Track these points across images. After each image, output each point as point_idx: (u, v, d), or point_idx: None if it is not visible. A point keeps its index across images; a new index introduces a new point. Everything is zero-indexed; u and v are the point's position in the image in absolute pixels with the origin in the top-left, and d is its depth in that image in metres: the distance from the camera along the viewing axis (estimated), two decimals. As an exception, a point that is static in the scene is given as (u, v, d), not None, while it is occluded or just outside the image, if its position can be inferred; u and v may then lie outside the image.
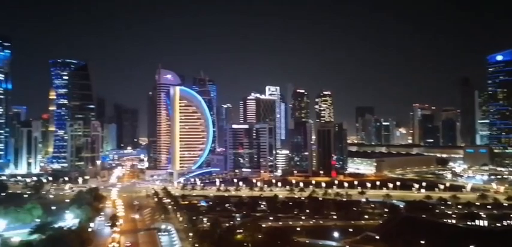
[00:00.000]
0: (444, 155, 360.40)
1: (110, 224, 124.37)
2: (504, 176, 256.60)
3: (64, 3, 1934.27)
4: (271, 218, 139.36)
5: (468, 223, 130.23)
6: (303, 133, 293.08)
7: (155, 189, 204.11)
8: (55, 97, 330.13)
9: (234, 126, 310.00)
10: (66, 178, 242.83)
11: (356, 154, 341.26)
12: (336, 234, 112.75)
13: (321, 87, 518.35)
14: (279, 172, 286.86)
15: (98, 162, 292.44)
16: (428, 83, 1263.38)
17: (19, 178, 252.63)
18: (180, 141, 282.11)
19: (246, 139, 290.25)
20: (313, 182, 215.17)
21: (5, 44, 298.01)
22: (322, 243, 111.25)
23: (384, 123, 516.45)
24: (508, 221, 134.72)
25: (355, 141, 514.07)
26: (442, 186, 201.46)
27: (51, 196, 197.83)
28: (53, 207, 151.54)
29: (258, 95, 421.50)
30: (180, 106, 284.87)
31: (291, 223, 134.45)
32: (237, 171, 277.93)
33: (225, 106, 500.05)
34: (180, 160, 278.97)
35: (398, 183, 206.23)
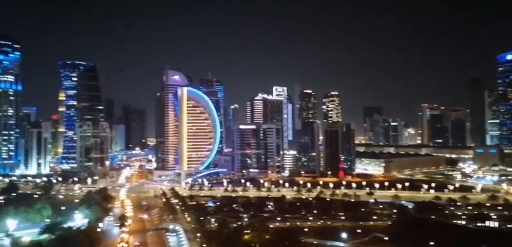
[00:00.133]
0: (453, 155, 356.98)
1: (118, 224, 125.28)
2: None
3: (71, 5, 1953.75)
4: (278, 219, 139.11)
5: (478, 224, 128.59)
6: (311, 134, 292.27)
7: (163, 190, 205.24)
8: (64, 98, 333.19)
9: (241, 126, 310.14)
10: (76, 179, 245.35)
11: (364, 155, 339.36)
12: (343, 235, 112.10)
13: (328, 88, 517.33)
14: (286, 173, 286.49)
15: (107, 163, 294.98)
16: (437, 83, 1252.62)
17: (29, 178, 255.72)
18: (188, 141, 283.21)
19: (253, 139, 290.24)
20: (321, 183, 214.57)
21: (15, 46, 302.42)
22: (330, 244, 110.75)
23: (392, 124, 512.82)
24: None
25: (363, 142, 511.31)
26: (451, 187, 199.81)
27: (60, 196, 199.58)
28: (63, 207, 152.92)
29: (265, 96, 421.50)
30: (187, 107, 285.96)
31: (298, 223, 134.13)
32: (244, 171, 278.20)
33: (232, 107, 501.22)
34: (188, 161, 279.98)
35: (407, 184, 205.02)
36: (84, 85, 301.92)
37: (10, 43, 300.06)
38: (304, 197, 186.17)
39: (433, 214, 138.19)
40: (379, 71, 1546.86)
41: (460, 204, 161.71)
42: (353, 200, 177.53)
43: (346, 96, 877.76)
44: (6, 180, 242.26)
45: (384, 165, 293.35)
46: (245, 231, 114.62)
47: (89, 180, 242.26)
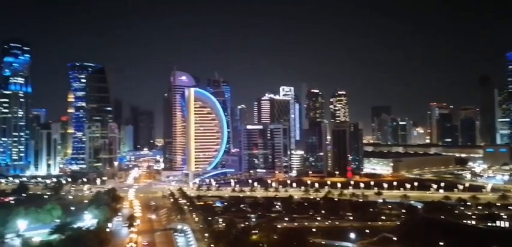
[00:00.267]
0: (463, 155, 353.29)
1: (127, 224, 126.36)
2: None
3: (76, 6, 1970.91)
4: (286, 219, 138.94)
5: (488, 224, 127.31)
6: (318, 134, 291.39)
7: (171, 190, 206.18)
8: (73, 100, 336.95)
9: (249, 126, 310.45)
10: (85, 179, 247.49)
11: (372, 155, 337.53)
12: (352, 235, 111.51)
13: (335, 87, 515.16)
14: (293, 173, 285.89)
15: (115, 163, 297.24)
16: (445, 82, 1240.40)
17: (39, 179, 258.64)
18: (195, 142, 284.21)
19: (261, 140, 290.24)
20: (329, 183, 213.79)
21: (25, 48, 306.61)
22: (338, 244, 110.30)
23: (400, 123, 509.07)
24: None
25: (371, 141, 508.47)
26: (461, 187, 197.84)
27: (70, 197, 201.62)
28: (72, 208, 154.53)
29: (272, 96, 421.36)
30: (194, 107, 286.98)
31: (306, 224, 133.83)
32: (251, 171, 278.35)
33: (239, 107, 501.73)
34: (195, 161, 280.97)
35: (415, 184, 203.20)
36: (92, 86, 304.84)
37: (20, 46, 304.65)
38: (311, 197, 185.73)
39: (442, 214, 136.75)
40: (387, 70, 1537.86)
41: (469, 203, 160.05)
42: (361, 200, 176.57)
43: (354, 96, 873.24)
44: (17, 180, 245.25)
45: (392, 164, 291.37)
46: (253, 231, 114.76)
47: (98, 181, 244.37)
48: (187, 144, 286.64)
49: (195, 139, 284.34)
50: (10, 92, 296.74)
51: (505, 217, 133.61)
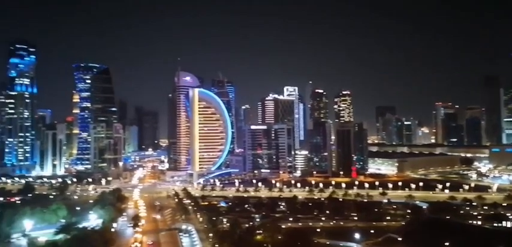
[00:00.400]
0: (469, 155, 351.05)
1: (132, 224, 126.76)
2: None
3: (78, 7, 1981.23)
4: (290, 219, 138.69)
5: (494, 224, 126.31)
6: (322, 134, 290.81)
7: (175, 190, 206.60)
8: (78, 100, 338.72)
9: (253, 127, 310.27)
10: (90, 180, 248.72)
11: (377, 155, 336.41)
12: (356, 235, 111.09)
13: (340, 87, 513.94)
14: (298, 173, 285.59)
15: (120, 164, 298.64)
16: (451, 81, 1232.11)
17: (45, 179, 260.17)
18: (200, 142, 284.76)
19: (265, 140, 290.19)
20: (333, 183, 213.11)
21: (30, 49, 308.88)
22: (342, 244, 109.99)
23: (405, 123, 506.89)
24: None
25: (376, 141, 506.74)
26: (466, 187, 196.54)
27: (75, 197, 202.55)
28: (77, 208, 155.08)
29: (276, 96, 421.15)
30: (199, 108, 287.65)
31: (310, 224, 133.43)
32: (256, 171, 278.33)
33: (243, 107, 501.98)
34: (200, 162, 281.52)
35: (421, 184, 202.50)
36: (97, 87, 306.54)
37: (25, 47, 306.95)
38: (316, 197, 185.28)
39: (448, 214, 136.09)
40: (391, 71, 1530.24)
41: (475, 204, 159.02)
42: (366, 200, 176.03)
43: (358, 96, 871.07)
44: (23, 181, 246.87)
45: (397, 164, 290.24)
46: (257, 231, 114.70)
47: (103, 181, 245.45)
48: (191, 145, 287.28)
49: (200, 139, 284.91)
50: (16, 93, 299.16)
51: (511, 217, 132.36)
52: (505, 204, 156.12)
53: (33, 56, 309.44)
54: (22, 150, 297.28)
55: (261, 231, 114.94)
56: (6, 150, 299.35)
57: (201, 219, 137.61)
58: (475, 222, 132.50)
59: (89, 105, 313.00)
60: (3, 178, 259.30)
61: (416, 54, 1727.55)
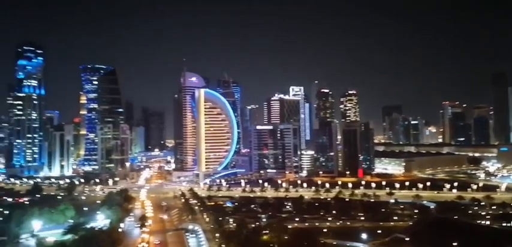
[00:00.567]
0: (476, 154, 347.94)
1: (139, 224, 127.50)
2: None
3: (86, 8, 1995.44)
4: (297, 219, 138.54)
5: (503, 224, 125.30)
6: (328, 134, 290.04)
7: (182, 190, 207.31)
8: (86, 101, 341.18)
9: (259, 127, 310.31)
10: (97, 180, 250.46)
11: (383, 154, 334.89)
12: (363, 236, 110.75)
13: (345, 87, 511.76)
14: (304, 173, 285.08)
15: (127, 164, 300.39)
16: (458, 80, 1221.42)
17: (53, 180, 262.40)
18: (206, 142, 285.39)
19: (271, 140, 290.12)
20: (340, 183, 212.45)
21: (38, 51, 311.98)
22: (349, 245, 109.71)
23: (412, 122, 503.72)
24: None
25: (383, 141, 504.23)
26: (474, 186, 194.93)
27: (83, 197, 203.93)
28: (85, 208, 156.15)
29: (282, 96, 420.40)
30: (205, 108, 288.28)
31: (317, 224, 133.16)
32: (262, 172, 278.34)
33: (249, 107, 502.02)
34: (206, 162, 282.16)
35: (428, 184, 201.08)
36: (104, 88, 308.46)
37: (33, 49, 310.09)
38: (322, 197, 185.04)
39: (455, 214, 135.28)
40: (398, 70, 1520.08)
41: (483, 203, 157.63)
42: (373, 200, 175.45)
43: (364, 95, 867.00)
44: (31, 182, 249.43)
45: (404, 164, 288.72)
46: (263, 232, 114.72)
47: (110, 181, 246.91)
48: (197, 145, 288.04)
49: (206, 139, 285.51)
50: (24, 95, 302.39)
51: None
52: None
53: (41, 58, 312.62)
54: (30, 151, 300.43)
55: (268, 231, 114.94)
56: (15, 151, 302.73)
57: (207, 219, 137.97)
58: (483, 222, 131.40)
59: (96, 106, 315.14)
60: (12, 179, 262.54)
61: (422, 53, 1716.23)
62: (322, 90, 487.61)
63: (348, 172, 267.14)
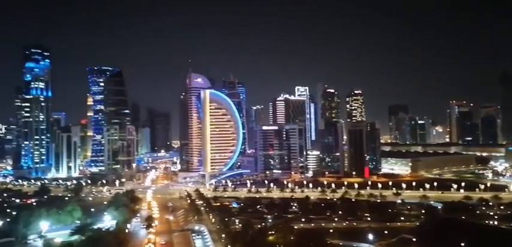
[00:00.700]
0: (484, 154, 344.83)
1: (145, 225, 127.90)
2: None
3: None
4: (303, 220, 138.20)
5: (511, 224, 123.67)
6: (334, 134, 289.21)
7: (188, 191, 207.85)
8: (92, 103, 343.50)
9: (264, 127, 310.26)
10: (104, 181, 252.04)
11: (390, 154, 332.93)
12: (370, 236, 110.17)
13: (351, 86, 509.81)
14: (310, 174, 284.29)
15: (133, 165, 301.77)
16: (465, 79, 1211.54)
17: (60, 181, 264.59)
18: (211, 143, 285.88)
19: (276, 140, 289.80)
20: (346, 183, 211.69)
21: (45, 54, 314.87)
22: (356, 245, 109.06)
23: (419, 122, 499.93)
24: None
25: (389, 141, 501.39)
26: (482, 186, 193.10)
27: (90, 198, 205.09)
28: (92, 209, 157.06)
29: (287, 96, 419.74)
30: (210, 109, 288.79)
31: (323, 224, 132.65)
32: (267, 172, 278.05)
33: (254, 108, 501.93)
34: (212, 163, 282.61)
35: (435, 184, 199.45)
36: (110, 90, 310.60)
37: (40, 51, 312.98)
38: (328, 198, 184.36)
39: (463, 214, 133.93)
40: (404, 69, 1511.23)
41: (491, 203, 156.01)
42: (379, 201, 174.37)
43: (370, 95, 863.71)
44: (39, 183, 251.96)
45: (411, 164, 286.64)
46: (269, 232, 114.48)
47: (117, 182, 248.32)
48: (203, 146, 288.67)
49: (211, 140, 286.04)
50: (31, 97, 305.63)
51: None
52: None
53: (48, 60, 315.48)
54: (38, 152, 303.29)
55: (274, 232, 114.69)
56: (23, 152, 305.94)
57: (213, 220, 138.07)
58: (491, 222, 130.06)
59: (102, 107, 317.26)
60: (20, 181, 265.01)
61: (429, 52, 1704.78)
62: (328, 90, 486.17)
63: (354, 173, 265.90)
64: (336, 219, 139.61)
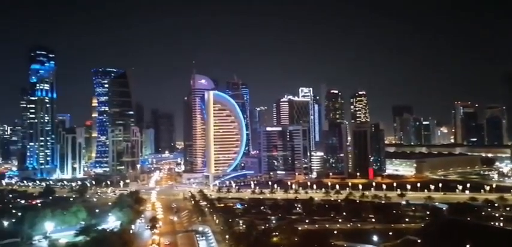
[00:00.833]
0: (489, 155, 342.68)
1: (149, 226, 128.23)
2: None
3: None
4: (307, 221, 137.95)
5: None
6: (338, 135, 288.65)
7: (192, 192, 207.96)
8: (97, 104, 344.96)
9: (268, 128, 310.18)
10: (108, 182, 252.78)
11: (394, 155, 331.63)
12: (374, 238, 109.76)
13: (355, 87, 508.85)
14: (314, 175, 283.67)
15: (138, 166, 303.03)
16: (470, 80, 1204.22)
17: (65, 182, 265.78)
18: (215, 144, 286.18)
19: (280, 141, 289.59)
20: (350, 184, 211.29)
21: (50, 55, 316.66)
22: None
23: (423, 123, 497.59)
24: None
25: (394, 142, 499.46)
26: (487, 187, 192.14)
27: (94, 199, 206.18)
28: (97, 210, 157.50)
29: (291, 97, 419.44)
30: (214, 110, 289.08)
31: (327, 226, 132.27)
32: (271, 173, 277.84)
33: (258, 109, 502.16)
34: (215, 164, 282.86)
35: (440, 185, 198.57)
36: (115, 91, 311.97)
37: (45, 53, 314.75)
38: (332, 199, 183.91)
39: (468, 215, 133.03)
40: (408, 69, 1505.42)
41: (497, 205, 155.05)
42: (384, 202, 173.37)
43: (374, 96, 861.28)
44: (44, 184, 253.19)
45: (415, 165, 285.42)
46: (273, 233, 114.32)
47: (121, 183, 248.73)
48: (207, 147, 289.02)
49: (215, 141, 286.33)
50: (36, 98, 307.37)
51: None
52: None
53: (53, 62, 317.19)
54: (43, 153, 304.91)
55: (277, 233, 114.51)
56: (28, 153, 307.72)
57: (217, 221, 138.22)
58: (496, 223, 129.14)
59: (107, 109, 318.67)
60: (25, 182, 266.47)
61: (429, 52, 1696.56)
62: (332, 91, 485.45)
63: (358, 174, 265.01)
64: (340, 220, 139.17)
